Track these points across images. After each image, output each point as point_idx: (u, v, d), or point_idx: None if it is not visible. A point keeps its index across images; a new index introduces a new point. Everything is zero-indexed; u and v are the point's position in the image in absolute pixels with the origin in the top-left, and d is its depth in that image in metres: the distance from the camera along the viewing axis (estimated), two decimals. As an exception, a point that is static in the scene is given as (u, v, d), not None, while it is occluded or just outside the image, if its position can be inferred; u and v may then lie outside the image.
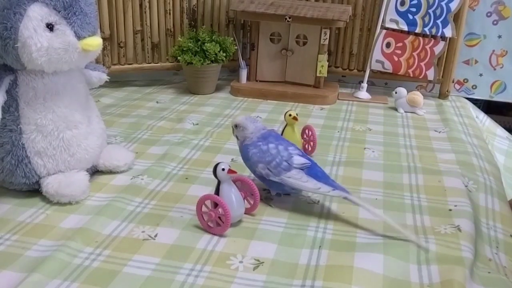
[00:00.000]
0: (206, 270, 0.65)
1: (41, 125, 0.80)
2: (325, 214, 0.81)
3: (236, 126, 0.85)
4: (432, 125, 1.29)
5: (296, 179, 0.78)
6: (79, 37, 0.78)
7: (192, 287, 0.62)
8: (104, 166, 0.91)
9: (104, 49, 1.40)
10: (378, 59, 1.49)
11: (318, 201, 0.85)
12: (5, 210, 0.79)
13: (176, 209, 0.81)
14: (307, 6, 1.42)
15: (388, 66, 1.50)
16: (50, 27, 0.75)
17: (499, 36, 1.48)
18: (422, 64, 1.46)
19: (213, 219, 0.73)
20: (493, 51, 1.50)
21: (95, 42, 0.81)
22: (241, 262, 0.67)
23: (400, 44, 1.47)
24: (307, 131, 1.05)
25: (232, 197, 0.75)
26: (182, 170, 0.95)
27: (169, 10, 1.49)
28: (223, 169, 0.74)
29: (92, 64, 0.94)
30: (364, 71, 1.53)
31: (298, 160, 0.79)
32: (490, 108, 1.75)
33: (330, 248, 0.71)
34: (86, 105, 0.88)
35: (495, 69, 1.52)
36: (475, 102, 1.59)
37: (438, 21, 1.41)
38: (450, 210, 0.83)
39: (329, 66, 1.52)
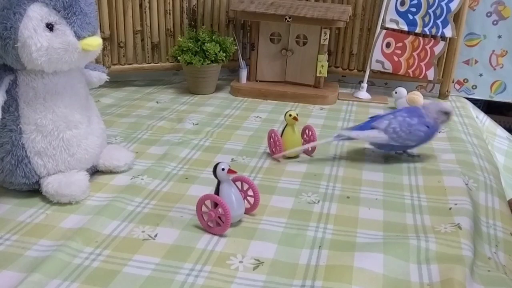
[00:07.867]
0: (206, 270, 0.65)
1: (41, 125, 0.80)
2: (325, 214, 0.81)
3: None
4: (432, 125, 1.28)
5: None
6: (79, 37, 0.78)
7: (192, 287, 0.62)
8: (104, 166, 0.91)
9: (104, 49, 1.40)
10: (378, 59, 1.49)
11: (318, 201, 0.85)
12: (5, 210, 0.79)
13: (176, 209, 0.81)
14: (307, 6, 1.42)
15: (388, 66, 1.49)
16: (50, 27, 0.75)
17: (499, 36, 1.48)
18: (422, 64, 1.46)
19: (213, 219, 0.73)
20: (493, 51, 1.50)
21: (95, 42, 0.81)
22: (241, 262, 0.67)
23: (400, 44, 1.47)
24: (307, 131, 1.05)
25: (232, 197, 0.75)
26: (182, 170, 0.95)
27: (169, 10, 1.49)
28: (223, 169, 0.74)
29: (92, 64, 0.94)
30: (364, 71, 1.53)
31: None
32: (490, 108, 1.75)
33: (330, 248, 0.71)
34: (86, 105, 0.88)
35: (495, 69, 1.52)
36: (475, 102, 1.59)
37: (438, 21, 1.41)
38: (450, 209, 0.83)
39: (329, 66, 1.52)
